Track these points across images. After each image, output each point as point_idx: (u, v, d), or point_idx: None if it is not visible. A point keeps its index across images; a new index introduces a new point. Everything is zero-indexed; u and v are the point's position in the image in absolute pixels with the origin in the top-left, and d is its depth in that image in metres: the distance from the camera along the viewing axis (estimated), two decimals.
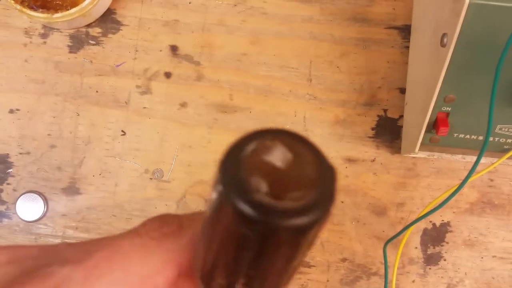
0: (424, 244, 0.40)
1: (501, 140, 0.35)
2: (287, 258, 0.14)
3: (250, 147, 0.14)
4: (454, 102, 0.33)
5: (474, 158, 0.37)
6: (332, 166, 0.14)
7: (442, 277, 0.40)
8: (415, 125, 0.36)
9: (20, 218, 0.40)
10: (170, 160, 0.40)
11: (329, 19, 0.42)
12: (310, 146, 0.15)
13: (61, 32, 0.41)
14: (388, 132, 0.41)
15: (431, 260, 0.40)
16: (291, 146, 0.15)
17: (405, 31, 0.42)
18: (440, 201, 0.34)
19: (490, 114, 0.28)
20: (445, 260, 0.40)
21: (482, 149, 0.28)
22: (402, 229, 0.36)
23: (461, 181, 0.30)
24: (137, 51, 0.41)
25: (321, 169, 0.14)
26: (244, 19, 0.42)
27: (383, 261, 0.40)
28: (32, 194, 0.40)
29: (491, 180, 0.41)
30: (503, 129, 0.34)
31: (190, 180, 0.40)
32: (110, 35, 0.41)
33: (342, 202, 0.40)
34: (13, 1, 0.37)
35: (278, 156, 0.14)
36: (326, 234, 0.40)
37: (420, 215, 0.35)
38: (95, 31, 0.41)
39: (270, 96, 0.41)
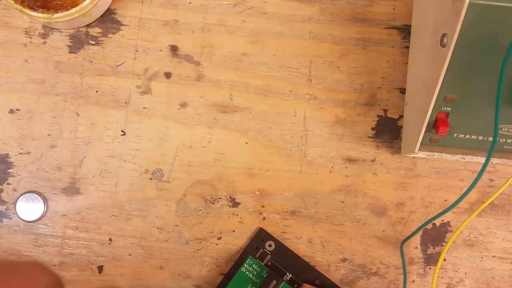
0: (424, 244, 0.40)
1: (501, 140, 0.35)
2: None
3: None
4: (454, 102, 0.33)
5: (474, 158, 0.37)
6: None
7: (442, 277, 0.40)
8: (415, 125, 0.36)
9: (20, 218, 0.40)
10: (170, 160, 0.40)
11: (329, 19, 0.42)
12: None
13: (61, 32, 0.41)
14: (388, 132, 0.41)
15: (431, 260, 0.40)
16: None
17: (405, 31, 0.42)
18: (448, 201, 0.34)
19: (496, 114, 0.28)
20: (445, 260, 0.40)
21: (490, 149, 0.28)
22: (416, 228, 0.37)
23: (476, 176, 0.30)
24: (137, 51, 0.41)
25: None
26: (244, 19, 0.42)
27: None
28: (32, 194, 0.40)
29: (491, 180, 0.41)
30: (503, 129, 0.34)
31: (190, 180, 0.40)
32: (110, 35, 0.41)
33: (342, 202, 0.40)
34: (13, 1, 0.37)
35: None
36: (326, 234, 0.40)
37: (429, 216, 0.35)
38: (95, 31, 0.41)
39: (270, 96, 0.41)
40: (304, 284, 0.38)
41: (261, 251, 0.39)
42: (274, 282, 0.37)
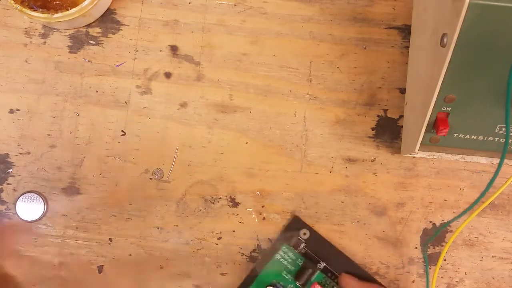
0: (424, 244, 0.40)
1: (501, 140, 0.35)
2: None
3: None
4: (454, 102, 0.33)
5: (474, 158, 0.37)
6: None
7: (442, 277, 0.40)
8: (415, 125, 0.36)
9: (20, 218, 0.40)
10: (170, 160, 0.40)
11: (329, 19, 0.42)
12: None
13: (61, 32, 0.41)
14: (388, 132, 0.41)
15: (431, 260, 0.40)
16: None
17: (405, 31, 0.42)
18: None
19: (506, 115, 0.28)
20: (445, 260, 0.40)
21: (503, 151, 0.28)
22: (438, 228, 0.37)
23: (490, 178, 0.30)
24: (137, 51, 0.41)
25: None
26: (244, 19, 0.42)
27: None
28: (32, 194, 0.40)
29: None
30: (503, 129, 0.34)
31: (190, 180, 0.40)
32: (110, 35, 0.41)
33: (342, 202, 0.40)
34: (13, 1, 0.37)
35: None
36: (326, 234, 0.40)
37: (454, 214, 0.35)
38: (95, 31, 0.41)
39: (270, 96, 0.41)
40: (342, 274, 0.38)
41: (295, 239, 0.39)
42: (310, 270, 0.37)
